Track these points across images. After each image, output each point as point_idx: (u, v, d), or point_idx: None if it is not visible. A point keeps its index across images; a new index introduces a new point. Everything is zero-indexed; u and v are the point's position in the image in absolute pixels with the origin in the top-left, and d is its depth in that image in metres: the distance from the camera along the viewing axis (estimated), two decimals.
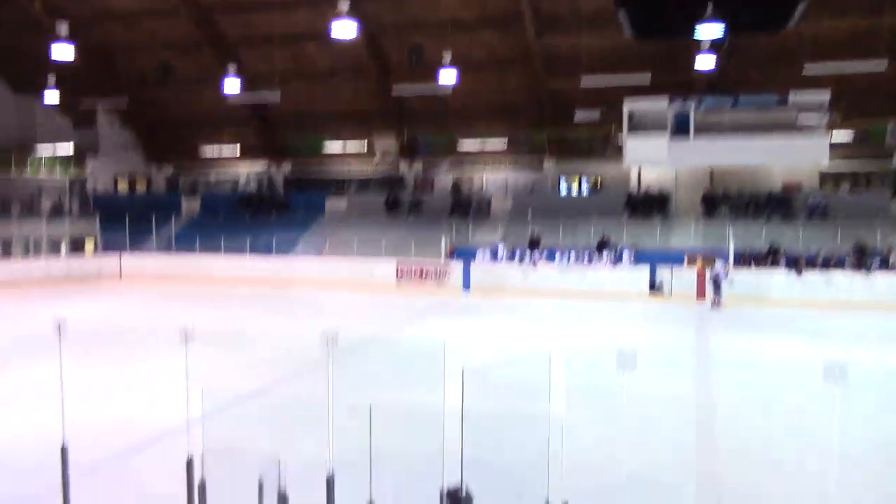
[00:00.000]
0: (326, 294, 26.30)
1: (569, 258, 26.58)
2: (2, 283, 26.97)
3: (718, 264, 23.78)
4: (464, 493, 5.25)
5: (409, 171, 36.66)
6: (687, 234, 28.59)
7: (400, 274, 27.86)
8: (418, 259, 28.21)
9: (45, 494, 6.72)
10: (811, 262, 24.42)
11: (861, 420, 10.86)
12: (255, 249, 30.32)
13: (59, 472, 5.45)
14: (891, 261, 23.98)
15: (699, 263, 24.78)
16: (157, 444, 10.15)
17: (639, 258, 26.18)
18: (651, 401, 11.65)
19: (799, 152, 26.33)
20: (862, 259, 24.12)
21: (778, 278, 24.29)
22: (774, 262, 24.95)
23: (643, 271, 25.48)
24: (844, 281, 23.68)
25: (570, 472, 6.51)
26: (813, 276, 23.95)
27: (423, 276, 27.58)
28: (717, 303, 23.01)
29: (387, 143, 36.42)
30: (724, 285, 23.22)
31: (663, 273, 25.31)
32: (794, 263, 24.37)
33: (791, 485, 8.89)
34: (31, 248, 30.38)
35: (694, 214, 30.19)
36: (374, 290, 26.91)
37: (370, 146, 37.17)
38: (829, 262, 24.29)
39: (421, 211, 32.96)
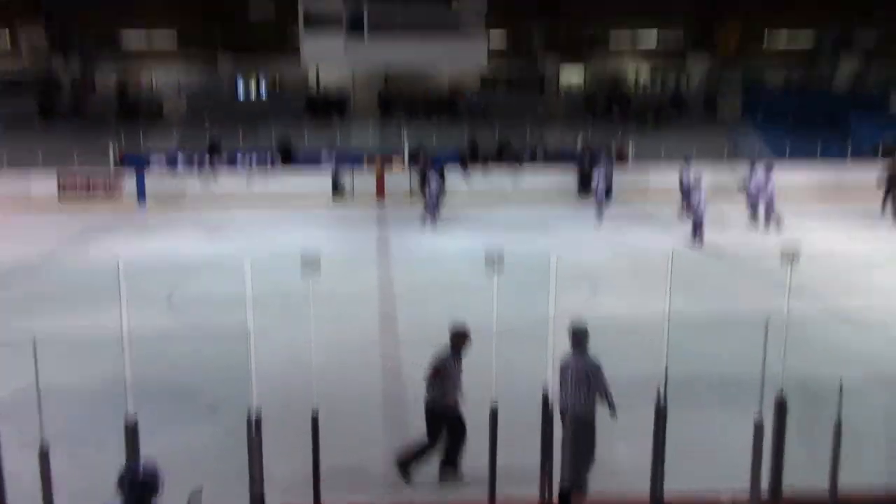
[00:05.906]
0: None
1: (250, 163, 26.10)
2: None
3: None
4: None
5: (65, 71, 32.51)
6: (366, 136, 29.62)
7: (63, 188, 25.10)
8: (84, 169, 25.64)
9: None
10: (475, 159, 26.89)
11: (516, 296, 12.63)
12: None
13: None
14: (537, 155, 27.51)
15: (378, 164, 25.91)
16: None
17: (321, 161, 26.58)
18: (337, 299, 12.33)
19: (460, 56, 28.35)
20: (513, 155, 27.37)
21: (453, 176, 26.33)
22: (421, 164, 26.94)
23: (326, 174, 25.89)
24: (500, 176, 26.40)
25: (265, 378, 6.75)
26: (476, 173, 26.39)
27: (91, 188, 25.19)
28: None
29: (34, 37, 31.79)
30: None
31: (345, 175, 25.96)
32: (461, 161, 26.72)
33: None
34: None
35: (372, 116, 31.25)
36: (33, 209, 24.00)
37: (13, 41, 32.19)
38: (487, 159, 26.98)
39: (83, 115, 29.65)
